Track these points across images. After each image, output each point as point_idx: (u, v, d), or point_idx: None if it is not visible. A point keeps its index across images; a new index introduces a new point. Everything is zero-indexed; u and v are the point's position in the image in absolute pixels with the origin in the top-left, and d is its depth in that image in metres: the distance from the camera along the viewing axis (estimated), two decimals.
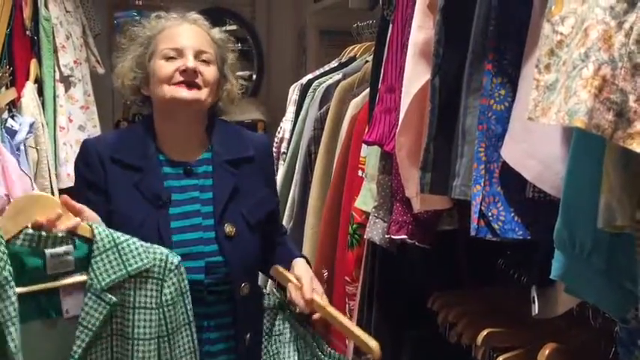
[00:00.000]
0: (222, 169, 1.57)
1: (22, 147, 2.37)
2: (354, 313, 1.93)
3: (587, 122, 0.69)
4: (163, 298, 1.36)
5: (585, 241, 0.88)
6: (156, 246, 1.38)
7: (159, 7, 4.40)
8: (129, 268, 1.33)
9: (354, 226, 1.95)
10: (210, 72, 1.54)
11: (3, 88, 2.46)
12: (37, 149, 2.57)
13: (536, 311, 1.28)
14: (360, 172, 1.96)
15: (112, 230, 1.34)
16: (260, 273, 1.74)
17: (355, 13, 2.97)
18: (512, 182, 1.09)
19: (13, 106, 2.50)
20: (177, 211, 1.50)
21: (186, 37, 1.55)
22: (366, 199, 1.82)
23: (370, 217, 1.70)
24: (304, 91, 2.60)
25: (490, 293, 1.61)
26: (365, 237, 1.72)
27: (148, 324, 1.36)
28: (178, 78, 1.50)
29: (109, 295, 1.31)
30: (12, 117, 2.37)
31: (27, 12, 2.71)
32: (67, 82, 2.93)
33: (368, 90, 1.90)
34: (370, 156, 1.84)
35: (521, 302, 1.36)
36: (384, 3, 1.68)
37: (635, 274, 0.87)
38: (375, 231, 1.66)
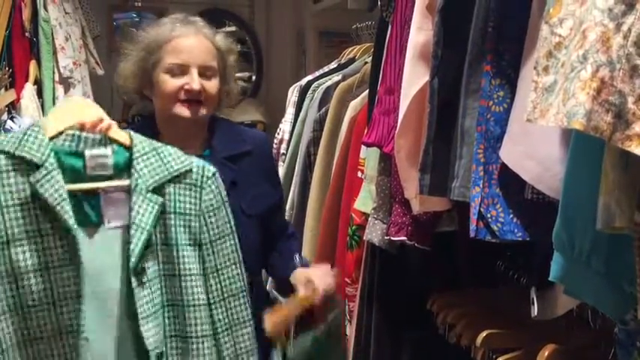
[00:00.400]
0: (220, 164, 1.58)
1: None
2: (353, 315, 1.93)
3: (586, 124, 0.69)
4: (203, 205, 1.37)
5: (584, 243, 0.88)
6: (193, 157, 1.40)
7: (158, 8, 4.45)
8: (171, 169, 1.34)
9: (354, 227, 1.95)
10: (213, 86, 1.59)
11: (2, 90, 2.46)
12: None
13: (536, 312, 1.28)
14: (359, 174, 1.96)
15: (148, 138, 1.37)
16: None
17: (354, 14, 2.97)
18: (511, 184, 1.08)
19: (13, 108, 2.49)
20: None
21: (192, 52, 1.58)
22: (365, 201, 1.81)
23: (369, 219, 1.70)
24: (303, 92, 2.60)
25: (489, 294, 1.61)
26: (364, 238, 1.73)
27: (189, 230, 1.36)
28: (182, 96, 1.57)
29: (156, 196, 1.33)
30: (11, 118, 2.37)
31: (26, 13, 2.71)
32: (66, 83, 2.93)
33: (367, 91, 1.90)
34: (369, 157, 1.84)
35: (521, 303, 1.36)
36: (383, 4, 1.68)
37: (634, 275, 0.87)
38: (374, 232, 1.66)
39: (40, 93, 2.75)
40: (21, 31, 2.69)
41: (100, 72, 3.33)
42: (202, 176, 1.37)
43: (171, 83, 1.57)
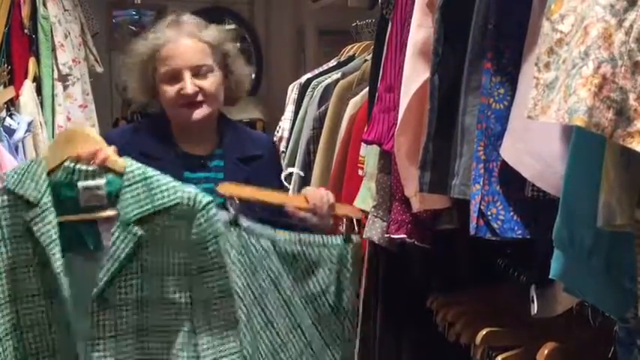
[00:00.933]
0: (233, 164, 1.65)
1: (20, 146, 2.36)
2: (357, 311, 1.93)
3: (587, 121, 0.69)
4: (192, 237, 1.35)
5: (585, 241, 0.88)
6: (187, 185, 1.38)
7: (157, 5, 4.44)
8: (155, 204, 1.34)
9: None
10: (210, 82, 1.60)
11: (1, 87, 2.46)
12: (35, 148, 2.56)
13: (536, 310, 1.28)
14: (359, 171, 1.96)
15: (144, 166, 1.37)
16: None
17: (354, 11, 2.96)
18: (511, 181, 1.08)
19: (12, 105, 2.49)
20: None
21: (181, 56, 1.60)
22: (365, 198, 1.81)
23: (369, 217, 1.70)
24: (303, 90, 2.60)
25: (489, 292, 1.61)
26: (364, 236, 1.72)
27: (177, 261, 1.37)
28: (181, 101, 1.60)
29: (136, 228, 1.34)
30: (10, 116, 2.36)
31: (25, 11, 2.70)
32: (65, 80, 2.92)
33: (367, 89, 1.89)
34: (369, 155, 1.84)
35: (521, 301, 1.36)
36: (383, 2, 1.68)
37: (634, 273, 0.87)
38: (374, 230, 1.66)
39: (39, 90, 2.75)
40: (20, 28, 2.68)
41: (99, 69, 3.32)
42: (193, 208, 1.35)
43: (168, 91, 1.60)
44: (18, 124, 2.31)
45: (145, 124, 1.70)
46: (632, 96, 0.69)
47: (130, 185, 1.34)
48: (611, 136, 0.70)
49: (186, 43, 1.61)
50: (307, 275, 1.52)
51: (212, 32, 1.66)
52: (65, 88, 2.93)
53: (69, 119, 2.92)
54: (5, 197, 1.34)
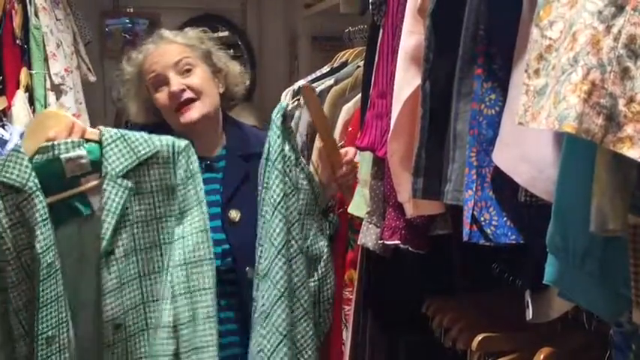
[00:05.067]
0: (233, 161, 1.70)
1: None
2: (349, 318, 1.93)
3: (577, 127, 0.69)
4: (177, 178, 1.48)
5: (578, 246, 0.88)
6: (163, 136, 1.50)
7: (150, 14, 4.43)
8: (138, 154, 1.45)
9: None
10: (196, 77, 1.62)
11: None
12: None
13: (531, 315, 1.27)
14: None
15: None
16: None
17: (347, 18, 2.97)
18: (504, 187, 1.08)
19: (4, 116, 2.48)
20: None
21: (159, 60, 1.66)
22: (359, 205, 1.81)
23: (364, 223, 1.69)
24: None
25: (484, 298, 1.61)
26: (358, 243, 1.72)
27: (167, 203, 1.48)
28: (174, 103, 1.64)
29: (126, 181, 1.44)
30: (2, 126, 2.36)
31: (17, 21, 2.70)
32: (58, 90, 2.92)
33: (360, 95, 1.89)
34: (362, 161, 1.83)
35: (516, 306, 1.36)
36: (374, 8, 1.68)
37: (628, 277, 0.87)
38: (368, 236, 1.66)
39: (31, 100, 2.74)
40: (12, 38, 2.68)
41: (92, 78, 3.32)
42: (173, 153, 1.47)
43: (160, 98, 1.65)
44: (10, 134, 2.31)
45: (151, 128, 1.72)
46: (621, 102, 0.69)
47: (110, 144, 1.44)
48: (602, 142, 0.69)
49: (164, 47, 1.67)
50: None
51: (188, 34, 1.75)
52: (58, 97, 2.92)
53: None
54: None
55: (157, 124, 1.72)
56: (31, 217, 1.38)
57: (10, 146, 2.28)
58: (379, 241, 1.60)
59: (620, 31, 0.69)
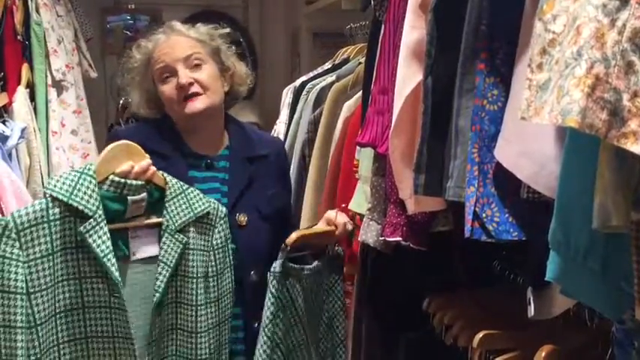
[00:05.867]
0: (238, 163, 1.69)
1: (13, 153, 2.35)
2: (350, 312, 1.93)
3: (581, 122, 0.68)
4: (214, 242, 1.53)
5: (580, 242, 0.87)
6: (211, 198, 1.55)
7: (151, 10, 4.43)
8: (195, 211, 1.50)
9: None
10: (205, 73, 1.63)
11: None
12: (29, 154, 2.55)
13: (532, 313, 1.27)
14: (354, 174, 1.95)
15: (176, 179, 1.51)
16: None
17: (348, 14, 2.95)
18: (506, 183, 1.07)
19: (5, 112, 2.48)
20: None
21: (170, 52, 1.65)
22: (360, 202, 1.80)
23: (364, 219, 1.69)
24: (298, 93, 2.59)
25: (486, 295, 1.60)
26: (359, 239, 1.71)
27: (203, 263, 1.51)
28: (180, 96, 1.62)
29: (182, 235, 1.48)
30: (3, 122, 2.35)
31: (18, 17, 2.69)
32: (59, 86, 2.91)
33: (361, 92, 1.89)
34: (364, 158, 1.83)
35: (518, 304, 1.35)
36: (376, 3, 1.67)
37: (630, 274, 0.86)
38: (369, 233, 1.65)
39: (32, 96, 2.73)
40: (13, 34, 2.67)
41: (94, 75, 3.31)
42: (216, 217, 1.53)
43: (166, 90, 1.63)
44: (11, 130, 2.30)
45: (154, 123, 1.71)
46: (625, 96, 0.68)
47: (173, 198, 1.48)
48: (605, 137, 0.69)
49: (175, 39, 1.66)
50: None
51: (200, 30, 1.72)
52: (59, 94, 2.91)
53: (63, 125, 2.91)
54: (57, 210, 1.35)
55: (159, 120, 1.71)
56: (99, 247, 1.36)
57: (11, 143, 2.28)
58: (380, 238, 1.59)
59: (624, 25, 0.68)
